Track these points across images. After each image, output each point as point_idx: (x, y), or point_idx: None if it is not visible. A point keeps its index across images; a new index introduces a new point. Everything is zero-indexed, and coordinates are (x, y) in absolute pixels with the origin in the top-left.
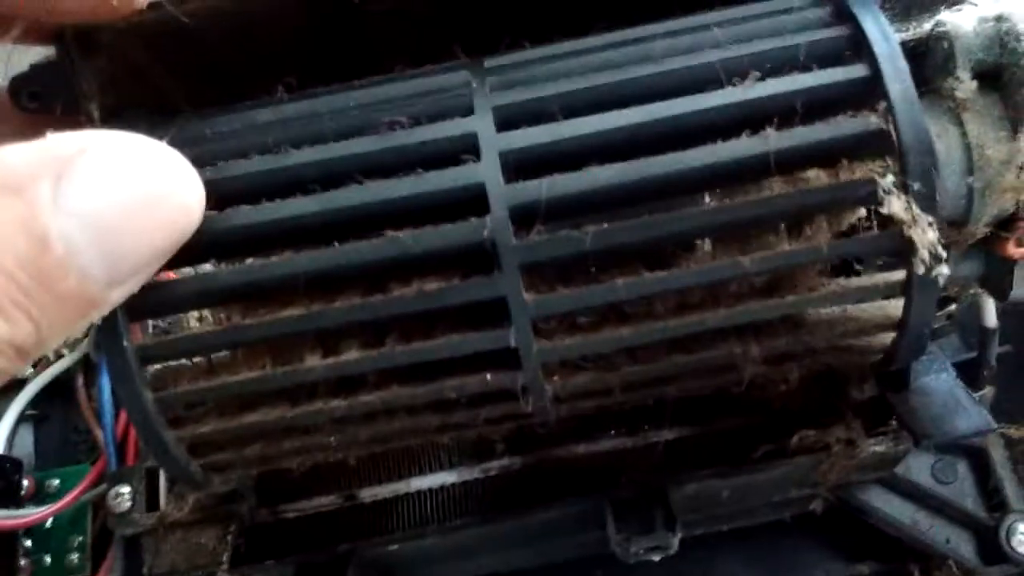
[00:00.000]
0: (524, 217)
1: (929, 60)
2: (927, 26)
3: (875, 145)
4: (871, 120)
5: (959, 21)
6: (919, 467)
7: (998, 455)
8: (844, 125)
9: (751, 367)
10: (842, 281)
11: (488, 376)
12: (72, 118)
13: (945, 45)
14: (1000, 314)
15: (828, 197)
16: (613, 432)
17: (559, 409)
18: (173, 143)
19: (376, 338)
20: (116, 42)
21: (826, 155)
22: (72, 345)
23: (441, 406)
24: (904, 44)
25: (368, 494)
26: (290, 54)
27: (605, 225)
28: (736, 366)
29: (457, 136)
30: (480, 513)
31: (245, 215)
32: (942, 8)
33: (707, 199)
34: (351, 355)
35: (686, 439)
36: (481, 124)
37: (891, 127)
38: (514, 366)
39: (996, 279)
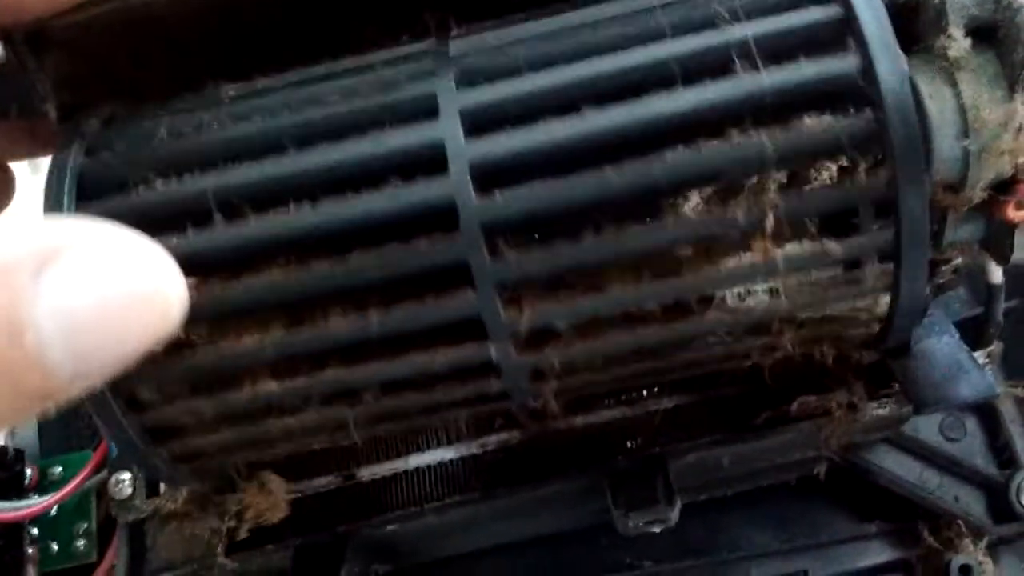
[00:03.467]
0: (494, 232)
1: (921, 17)
2: None
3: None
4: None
5: None
6: (927, 425)
7: (1008, 411)
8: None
9: (735, 343)
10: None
11: (456, 349)
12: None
13: (936, 1)
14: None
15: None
16: (611, 403)
17: (540, 388)
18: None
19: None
20: (73, 36)
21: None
22: None
23: (416, 384)
24: (901, 2)
25: (367, 473)
26: (255, 34)
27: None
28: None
29: (422, 144)
30: (480, 488)
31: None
32: None
33: None
34: (323, 325)
35: (685, 407)
36: (448, 130)
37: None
38: (482, 337)
39: (997, 243)
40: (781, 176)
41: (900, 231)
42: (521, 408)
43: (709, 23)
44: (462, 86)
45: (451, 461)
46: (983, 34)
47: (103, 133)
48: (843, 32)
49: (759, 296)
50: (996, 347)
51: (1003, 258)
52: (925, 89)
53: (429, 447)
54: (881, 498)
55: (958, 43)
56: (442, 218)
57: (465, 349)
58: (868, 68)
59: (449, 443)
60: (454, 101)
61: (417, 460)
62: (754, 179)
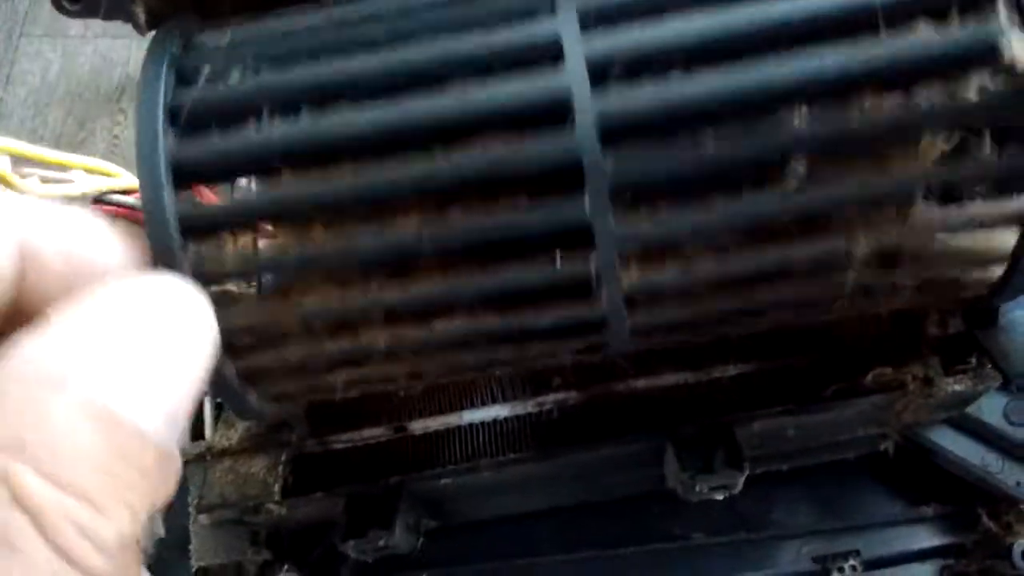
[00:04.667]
0: (613, 132)
1: None
2: None
3: None
4: None
5: None
6: (990, 407)
7: None
8: None
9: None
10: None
11: (566, 308)
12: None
13: None
14: None
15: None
16: (675, 367)
17: (638, 343)
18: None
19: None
20: None
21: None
22: None
23: (520, 335)
24: None
25: (419, 426)
26: None
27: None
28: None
29: (535, 40)
30: (534, 448)
31: (311, 125)
32: None
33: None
34: (427, 282)
35: (751, 375)
36: (564, 25)
37: None
38: (595, 296)
39: None
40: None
41: None
42: (616, 339)
43: None
44: None
45: (506, 419)
46: None
47: (197, 33)
48: None
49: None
50: None
51: None
52: None
53: (483, 403)
54: (937, 480)
55: None
56: (556, 118)
57: (568, 261)
58: None
59: (504, 400)
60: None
61: (471, 416)
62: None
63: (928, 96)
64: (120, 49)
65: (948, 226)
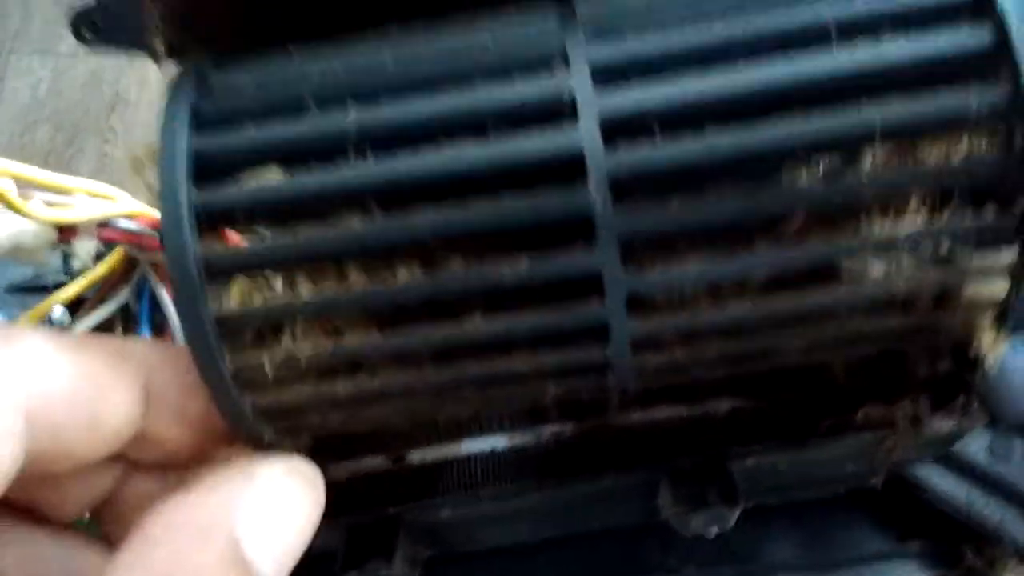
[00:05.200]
0: (623, 186)
1: None
2: None
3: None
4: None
5: None
6: (976, 444)
7: None
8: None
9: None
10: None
11: (572, 351)
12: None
13: None
14: None
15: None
16: (670, 401)
17: (641, 383)
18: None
19: (457, 310)
20: None
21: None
22: (107, 296)
23: (519, 343)
24: None
25: (417, 456)
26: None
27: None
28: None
29: (549, 96)
30: (531, 479)
31: (313, 179)
32: None
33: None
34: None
35: (746, 410)
36: (578, 81)
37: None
38: (602, 341)
39: None
40: (904, 150)
41: None
42: (620, 381)
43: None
44: (593, 40)
45: (504, 450)
46: None
47: (214, 71)
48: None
49: (879, 273)
50: None
51: None
52: None
53: (481, 433)
54: (923, 516)
55: None
56: (566, 171)
57: (574, 309)
58: (1006, 36)
59: (503, 430)
60: (585, 53)
61: (469, 446)
62: (880, 149)
63: (927, 155)
64: (110, 68)
65: (939, 277)
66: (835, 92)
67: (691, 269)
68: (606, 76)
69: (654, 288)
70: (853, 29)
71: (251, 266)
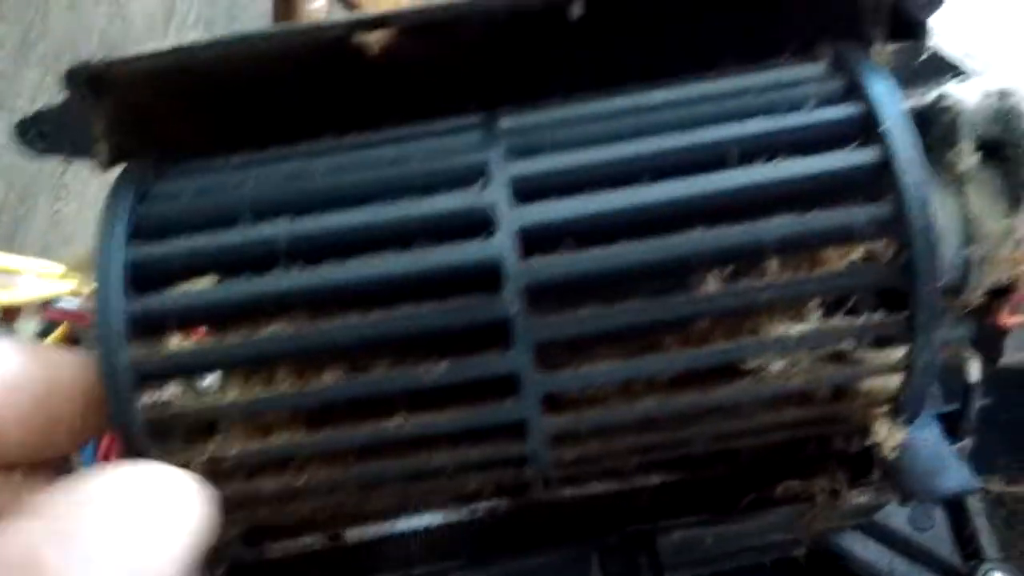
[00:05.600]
0: (538, 293)
1: (932, 130)
2: (931, 95)
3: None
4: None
5: (964, 93)
6: (896, 513)
7: (974, 503)
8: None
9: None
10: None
11: (492, 447)
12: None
13: (949, 117)
14: None
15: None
16: (599, 476)
17: (559, 474)
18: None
19: (381, 409)
20: (130, 83)
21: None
22: None
23: (444, 472)
24: (916, 112)
25: (353, 535)
26: (295, 106)
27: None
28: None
29: (470, 208)
30: (466, 556)
31: (244, 287)
32: (948, 77)
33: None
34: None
35: (673, 485)
36: (497, 195)
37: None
38: (520, 437)
39: (988, 344)
40: (800, 258)
41: (914, 315)
42: (539, 473)
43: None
44: (512, 156)
45: (438, 526)
46: (990, 150)
47: (154, 178)
48: (864, 128)
49: (783, 370)
50: (968, 441)
51: (993, 359)
52: (934, 200)
53: (417, 511)
54: None
55: (967, 158)
56: (484, 280)
57: (493, 408)
58: (889, 159)
59: (438, 508)
60: (504, 169)
61: (404, 524)
62: (776, 259)
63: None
64: None
65: (835, 373)
66: (734, 206)
67: (603, 369)
68: (524, 190)
69: (568, 387)
70: (751, 150)
71: (182, 370)
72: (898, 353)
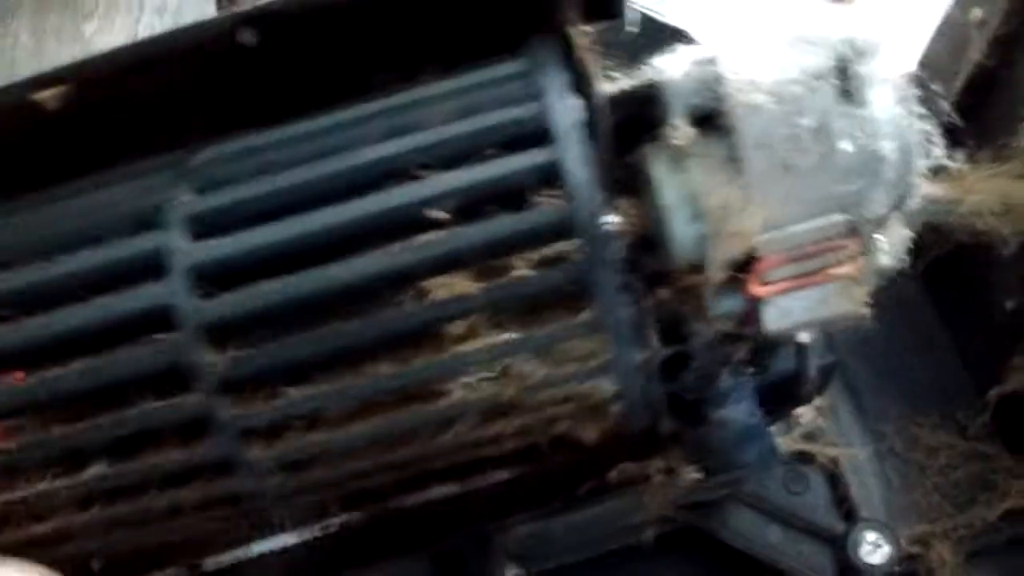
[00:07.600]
0: (220, 330)
1: (652, 108)
2: (649, 72)
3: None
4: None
5: (672, 66)
6: (771, 479)
7: (855, 462)
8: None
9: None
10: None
11: (208, 487)
12: None
13: (658, 92)
14: None
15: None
16: (440, 480)
17: (283, 506)
18: None
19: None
20: None
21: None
22: None
23: (151, 486)
24: (630, 92)
25: (212, 562)
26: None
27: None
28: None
29: (146, 251)
30: (325, 571)
31: None
32: (672, 48)
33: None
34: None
35: (515, 480)
36: (171, 236)
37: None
38: (230, 473)
39: (752, 315)
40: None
41: (599, 313)
42: (273, 504)
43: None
44: (192, 195)
45: (296, 545)
46: (705, 122)
47: None
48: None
49: (487, 384)
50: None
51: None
52: (657, 175)
53: (272, 533)
54: (731, 556)
55: (681, 131)
56: (161, 323)
57: (194, 449)
58: (557, 161)
59: (292, 528)
60: (181, 208)
61: (260, 547)
62: (456, 272)
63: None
64: None
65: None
66: (401, 224)
67: (292, 401)
68: (200, 229)
69: (263, 421)
70: (425, 161)
71: None
72: (598, 353)
